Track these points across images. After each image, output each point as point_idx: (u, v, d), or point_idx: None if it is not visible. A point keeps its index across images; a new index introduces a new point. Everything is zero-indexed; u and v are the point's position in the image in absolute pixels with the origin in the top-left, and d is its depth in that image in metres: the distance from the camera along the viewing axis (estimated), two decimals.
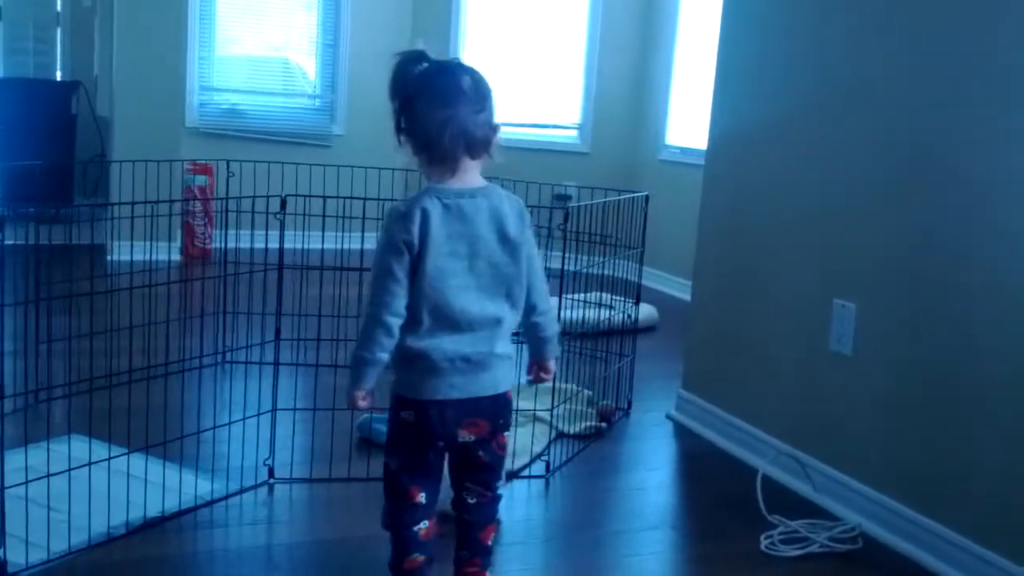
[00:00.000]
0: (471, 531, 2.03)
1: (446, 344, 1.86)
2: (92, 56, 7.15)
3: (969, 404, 2.26)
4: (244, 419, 2.53)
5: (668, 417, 3.41)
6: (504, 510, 2.47)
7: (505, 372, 1.94)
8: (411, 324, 1.85)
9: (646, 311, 4.88)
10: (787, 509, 2.55)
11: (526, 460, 2.79)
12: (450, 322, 1.85)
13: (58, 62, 7.60)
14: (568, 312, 3.86)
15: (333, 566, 2.20)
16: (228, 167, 3.63)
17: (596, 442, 3.10)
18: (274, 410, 2.56)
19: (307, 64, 6.68)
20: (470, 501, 2.02)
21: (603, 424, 3.21)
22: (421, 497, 1.93)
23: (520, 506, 2.58)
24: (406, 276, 1.82)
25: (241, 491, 2.49)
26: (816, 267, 2.76)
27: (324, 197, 2.78)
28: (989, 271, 2.21)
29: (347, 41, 6.56)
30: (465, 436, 1.91)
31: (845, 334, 2.63)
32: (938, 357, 2.34)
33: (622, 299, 3.50)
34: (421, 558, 1.94)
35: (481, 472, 2.00)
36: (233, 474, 2.53)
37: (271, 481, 2.56)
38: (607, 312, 3.53)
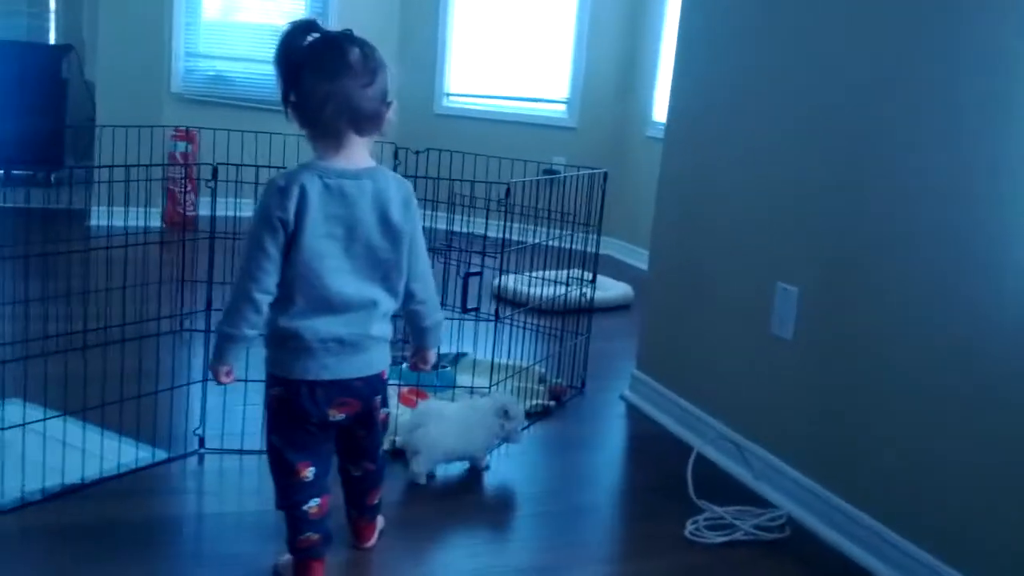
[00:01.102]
0: (357, 496, 2.10)
1: (319, 325, 1.83)
2: (83, 20, 7.13)
3: (896, 393, 2.22)
4: (172, 388, 2.51)
5: (622, 398, 3.38)
6: (447, 485, 2.47)
7: (380, 353, 1.93)
8: (283, 303, 1.83)
9: (621, 289, 4.85)
10: (724, 495, 2.52)
11: None
12: (324, 303, 1.83)
13: (51, 25, 7.59)
14: (525, 288, 3.86)
15: (255, 538, 2.18)
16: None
17: (543, 421, 3.08)
18: (205, 380, 2.54)
19: None
20: (355, 474, 2.06)
21: (552, 403, 3.19)
22: (308, 473, 1.92)
23: (440, 487, 2.56)
24: (279, 253, 1.79)
25: (169, 460, 2.48)
26: (762, 250, 2.72)
27: (257, 166, 2.74)
28: (922, 259, 2.16)
29: (335, 9, 6.51)
30: (336, 415, 1.90)
31: (787, 318, 2.60)
32: (871, 344, 2.31)
33: (579, 277, 3.47)
34: (315, 536, 1.93)
35: (361, 448, 2.03)
36: (164, 443, 2.52)
37: (201, 451, 2.55)
38: (563, 289, 3.50)
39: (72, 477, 2.27)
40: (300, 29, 1.82)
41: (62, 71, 6.85)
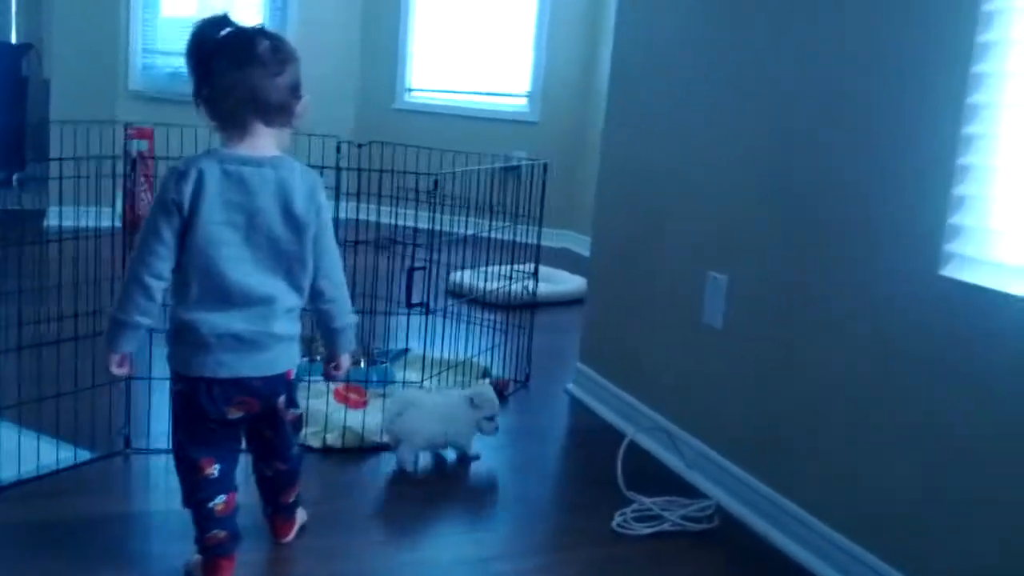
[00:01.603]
0: (272, 495, 2.08)
1: (216, 319, 1.80)
2: (44, 18, 7.07)
3: (820, 383, 2.21)
4: (94, 387, 2.47)
5: (565, 391, 3.36)
6: (375, 481, 2.45)
7: (283, 352, 1.88)
8: (181, 292, 1.81)
9: (576, 283, 4.83)
10: (657, 486, 2.51)
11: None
12: (220, 294, 1.79)
13: (12, 23, 7.53)
14: (477, 282, 3.84)
15: (178, 537, 2.09)
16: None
17: None
18: (129, 378, 2.51)
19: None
20: (267, 474, 2.04)
21: None
22: (213, 471, 1.89)
23: (375, 480, 2.54)
24: (173, 238, 1.76)
25: (93, 460, 2.45)
26: (694, 239, 2.71)
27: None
28: (841, 250, 2.14)
29: (296, 3, 6.47)
30: (234, 414, 1.87)
31: (717, 307, 2.58)
32: (796, 334, 2.29)
33: (521, 270, 3.44)
34: (222, 534, 1.90)
35: (270, 448, 2.01)
36: (88, 443, 2.48)
37: (127, 451, 2.52)
38: (508, 283, 3.48)
39: None
40: (212, 23, 1.82)
41: (22, 69, 6.80)
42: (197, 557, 1.94)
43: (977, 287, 1.78)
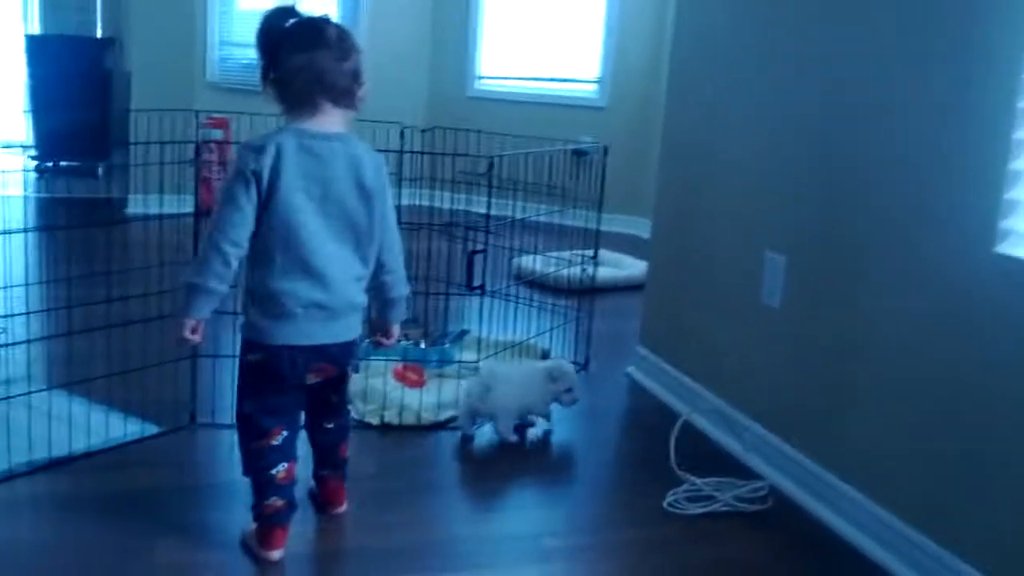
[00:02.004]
0: (329, 451, 2.14)
1: (301, 288, 1.87)
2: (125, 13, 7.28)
3: (878, 364, 2.17)
4: (160, 364, 2.56)
5: (626, 374, 3.36)
6: (431, 458, 2.49)
7: (356, 320, 1.96)
8: (264, 264, 1.87)
9: (640, 267, 4.81)
10: (713, 467, 2.49)
11: (451, 413, 2.77)
12: (303, 264, 1.86)
13: (98, 18, 7.76)
14: (539, 267, 3.86)
15: (241, 506, 2.16)
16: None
17: None
18: (194, 356, 2.60)
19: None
20: (328, 426, 2.12)
21: None
22: (279, 438, 1.96)
23: (432, 458, 2.58)
24: (252, 208, 1.83)
25: (160, 434, 2.54)
26: (751, 220, 2.68)
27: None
28: (899, 230, 2.10)
29: None
30: (312, 379, 1.95)
31: (775, 287, 2.55)
32: (854, 314, 2.26)
33: (583, 254, 3.45)
34: (280, 502, 1.96)
35: (331, 407, 2.10)
36: (154, 418, 2.57)
37: (193, 425, 2.60)
38: (569, 268, 3.49)
39: (60, 450, 2.33)
40: (280, 12, 1.92)
41: (106, 63, 7.01)
42: (253, 526, 2.00)
43: None
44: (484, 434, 2.71)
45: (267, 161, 1.82)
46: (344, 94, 1.90)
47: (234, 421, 2.02)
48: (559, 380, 2.73)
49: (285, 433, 1.97)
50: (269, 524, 1.97)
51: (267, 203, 1.83)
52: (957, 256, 1.92)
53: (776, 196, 2.57)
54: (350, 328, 1.95)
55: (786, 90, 2.54)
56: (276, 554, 1.96)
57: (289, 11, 1.92)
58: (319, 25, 1.90)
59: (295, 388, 1.97)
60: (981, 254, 1.84)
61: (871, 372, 2.19)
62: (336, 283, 1.90)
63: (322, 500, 2.18)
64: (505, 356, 3.17)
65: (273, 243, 1.85)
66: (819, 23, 2.40)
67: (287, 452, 1.98)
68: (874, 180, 2.18)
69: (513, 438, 2.66)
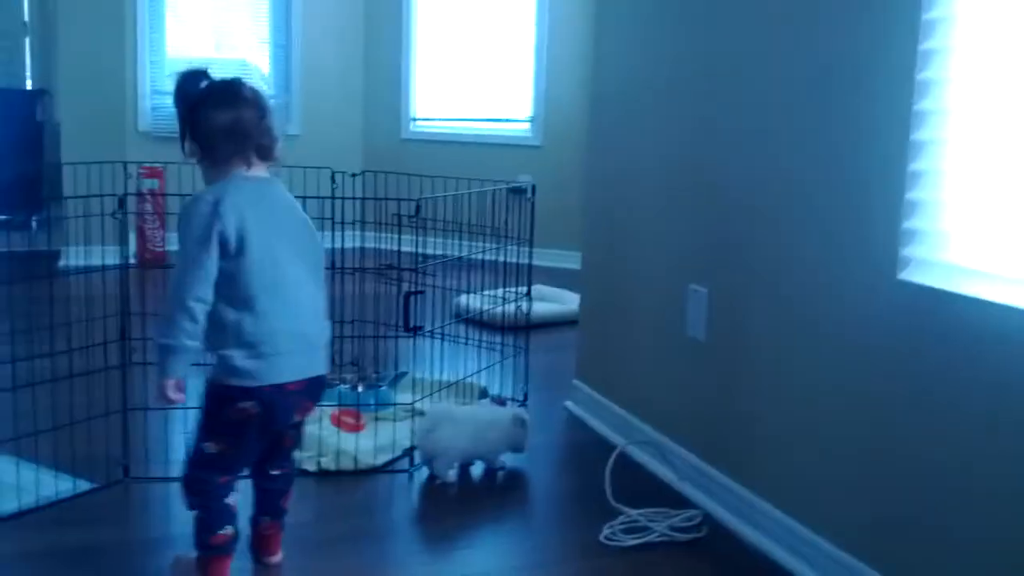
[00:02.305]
0: (274, 499, 2.15)
1: (291, 326, 1.94)
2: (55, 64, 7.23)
3: (795, 390, 2.24)
4: (89, 419, 2.54)
5: (564, 408, 3.40)
6: (368, 504, 2.50)
7: (326, 354, 2.05)
8: (247, 307, 1.90)
9: (578, 302, 4.86)
10: (648, 498, 2.54)
11: (389, 456, 2.78)
12: (287, 301, 1.93)
13: (27, 70, 7.70)
14: (471, 303, 3.89)
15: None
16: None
17: None
18: (125, 410, 2.58)
19: (262, 64, 6.72)
20: (273, 473, 2.13)
21: None
22: (236, 477, 2.03)
23: (369, 502, 2.59)
24: (214, 265, 1.87)
25: (92, 491, 2.51)
26: (675, 253, 2.75)
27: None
28: (814, 259, 2.18)
29: (299, 41, 6.60)
30: (296, 418, 2.05)
31: (698, 319, 2.62)
32: (775, 343, 2.32)
33: (514, 291, 3.49)
34: (230, 531, 2.01)
35: (283, 452, 2.13)
36: (86, 474, 2.54)
37: (126, 480, 2.58)
38: (504, 305, 3.52)
39: None
40: (192, 76, 2.01)
41: (36, 114, 6.96)
42: (191, 556, 2.03)
43: (933, 289, 1.81)
44: (422, 474, 2.72)
45: (230, 219, 1.88)
46: (269, 149, 1.99)
47: (194, 455, 2.00)
48: (524, 427, 2.79)
49: (240, 472, 2.05)
50: (220, 554, 2.00)
51: (239, 254, 1.89)
52: (863, 285, 1.99)
53: (695, 229, 2.64)
54: (324, 361, 2.03)
55: (702, 123, 2.61)
56: None
57: (201, 73, 2.00)
58: (236, 85, 1.98)
59: (279, 432, 2.05)
60: (885, 282, 1.91)
61: (792, 399, 2.25)
62: (313, 316, 2.01)
63: (258, 548, 2.18)
64: (442, 396, 3.19)
65: (254, 288, 1.90)
66: (728, 58, 2.49)
67: (236, 484, 2.04)
68: (783, 214, 2.26)
69: (449, 479, 2.67)
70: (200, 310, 1.87)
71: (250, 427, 1.95)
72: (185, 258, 1.88)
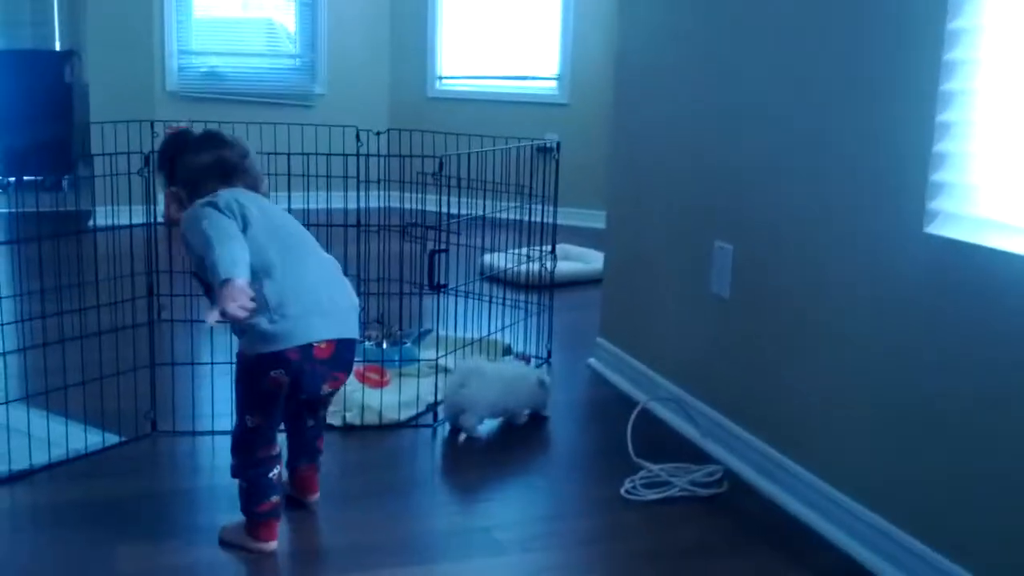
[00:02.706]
0: (309, 443, 2.22)
1: (309, 286, 1.97)
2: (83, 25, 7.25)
3: (820, 347, 2.22)
4: (118, 374, 2.57)
5: (587, 366, 3.40)
6: (392, 458, 2.54)
7: (355, 316, 2.08)
8: (268, 273, 1.92)
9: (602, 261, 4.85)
10: (670, 454, 2.54)
11: (413, 412, 2.80)
12: (302, 264, 1.99)
13: (56, 31, 7.73)
14: (497, 262, 3.89)
15: (209, 510, 2.22)
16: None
17: None
18: (153, 365, 2.61)
19: (287, 23, 6.70)
20: (310, 423, 2.20)
21: None
22: (277, 446, 2.06)
23: (393, 456, 2.61)
24: (234, 226, 1.93)
25: (121, 444, 2.55)
26: (701, 210, 2.73)
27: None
28: (840, 214, 2.15)
29: (325, 1, 6.56)
30: (326, 390, 2.06)
31: (723, 276, 2.60)
32: (799, 300, 2.30)
33: (539, 249, 3.48)
34: (276, 499, 2.04)
35: (323, 404, 2.20)
36: (115, 428, 2.58)
37: (154, 434, 2.62)
38: (529, 263, 3.52)
39: (20, 463, 2.34)
40: (174, 136, 2.18)
41: (65, 76, 6.98)
42: (235, 523, 2.07)
43: (961, 243, 1.78)
44: (445, 430, 2.74)
45: (228, 203, 1.94)
46: (256, 180, 2.11)
47: (237, 430, 2.03)
48: (546, 389, 2.84)
49: (277, 439, 2.07)
50: (266, 518, 2.04)
51: (245, 229, 1.93)
52: (889, 238, 1.97)
53: (722, 187, 2.62)
54: (354, 325, 2.05)
55: (729, 78, 2.58)
56: (273, 544, 2.04)
57: (183, 132, 2.15)
58: (215, 132, 2.13)
59: (310, 401, 2.09)
60: (912, 235, 1.89)
61: (817, 355, 2.24)
62: (335, 280, 2.05)
63: (298, 489, 2.23)
64: (466, 353, 3.20)
65: (270, 256, 1.93)
66: (757, 7, 2.45)
67: (281, 456, 2.08)
68: (810, 167, 2.24)
69: (476, 433, 2.69)
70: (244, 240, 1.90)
71: (280, 398, 1.98)
72: (208, 228, 1.88)
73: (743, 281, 2.53)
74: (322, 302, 1.97)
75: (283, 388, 1.96)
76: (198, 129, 2.17)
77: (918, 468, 1.92)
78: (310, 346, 1.94)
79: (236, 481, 2.05)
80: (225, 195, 1.97)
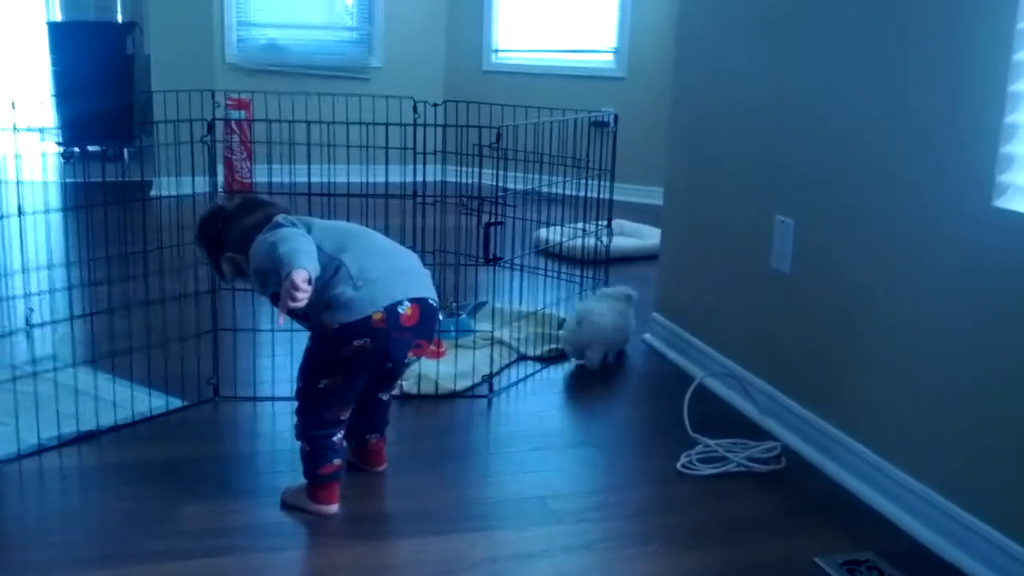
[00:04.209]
0: (380, 416, 2.25)
1: (382, 255, 2.04)
2: None
3: (885, 323, 2.19)
4: (182, 339, 2.63)
5: (642, 341, 3.39)
6: (448, 426, 2.59)
7: (429, 279, 2.12)
8: (341, 252, 1.99)
9: (658, 237, 4.82)
10: (727, 429, 2.53)
11: (469, 383, 2.82)
12: (371, 241, 2.07)
13: (118, 3, 7.84)
14: (552, 236, 3.88)
15: (270, 473, 2.27)
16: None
17: (557, 364, 3.12)
18: (215, 331, 2.66)
19: None
20: (384, 398, 2.24)
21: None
22: (345, 415, 2.08)
23: (449, 425, 2.63)
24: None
25: (183, 408, 2.60)
26: (761, 184, 2.69)
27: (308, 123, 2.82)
28: (904, 188, 2.11)
29: None
30: (410, 358, 2.10)
31: (785, 251, 2.57)
32: (862, 275, 2.27)
33: (595, 224, 3.47)
34: (339, 461, 2.08)
35: (391, 380, 2.24)
36: (178, 392, 2.63)
37: (216, 399, 2.67)
38: (585, 238, 3.52)
39: (87, 424, 2.40)
40: (209, 217, 2.18)
41: (127, 48, 7.08)
42: (297, 486, 2.11)
43: None
44: (501, 401, 2.76)
45: (291, 219, 2.04)
46: None
47: (305, 391, 2.05)
48: (635, 302, 3.16)
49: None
50: (329, 481, 2.08)
51: (310, 231, 2.02)
52: (957, 212, 1.93)
53: (784, 160, 2.58)
54: (431, 286, 2.09)
55: (792, 54, 2.54)
56: (334, 507, 2.08)
57: (218, 207, 2.19)
58: (252, 196, 2.22)
59: (392, 368, 2.11)
60: (980, 209, 1.85)
61: (881, 332, 2.21)
62: (402, 252, 2.12)
63: (364, 460, 2.28)
64: (520, 327, 3.21)
65: (341, 239, 2.01)
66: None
67: (345, 423, 2.11)
68: (874, 140, 2.20)
69: (598, 367, 2.99)
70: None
71: (363, 363, 2.00)
72: (280, 240, 1.93)
73: (804, 256, 2.50)
74: (400, 264, 2.05)
75: (366, 355, 1.98)
76: (227, 202, 2.25)
77: (985, 449, 1.89)
78: (397, 313, 1.96)
79: (297, 445, 2.09)
80: (281, 219, 2.04)
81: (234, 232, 2.11)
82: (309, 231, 2.01)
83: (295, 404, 2.08)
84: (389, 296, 1.96)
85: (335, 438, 2.07)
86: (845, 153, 2.32)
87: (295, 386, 2.08)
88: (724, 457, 2.38)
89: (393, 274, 2.01)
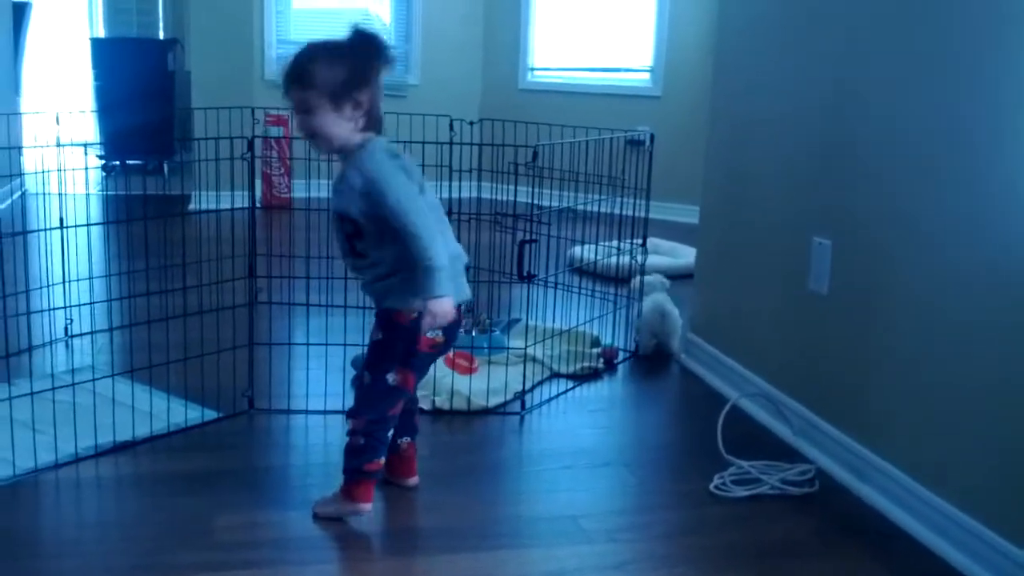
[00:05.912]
0: (411, 417, 2.26)
1: (454, 248, 2.04)
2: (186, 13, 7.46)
3: (927, 348, 2.17)
4: (219, 352, 2.65)
5: (676, 361, 3.38)
6: (480, 442, 2.60)
7: None
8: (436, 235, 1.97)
9: (693, 256, 4.80)
10: (761, 451, 2.51)
11: (501, 399, 2.82)
12: (447, 226, 2.06)
13: (160, 20, 7.98)
14: (587, 254, 3.88)
15: (303, 487, 2.28)
16: None
17: (590, 382, 3.11)
18: (251, 344, 2.68)
19: (383, 15, 6.79)
20: (416, 397, 2.28)
21: (602, 365, 3.21)
22: (400, 408, 2.12)
23: (480, 442, 2.63)
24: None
25: (219, 419, 2.62)
26: (797, 205, 2.68)
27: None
28: (948, 211, 2.09)
29: None
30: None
31: (822, 273, 2.55)
32: (901, 298, 2.25)
33: (636, 243, 3.46)
34: (383, 460, 2.13)
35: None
36: (214, 404, 2.66)
37: (251, 411, 2.68)
38: (620, 256, 3.51)
39: (123, 435, 2.42)
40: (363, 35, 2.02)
41: (168, 64, 7.19)
42: (328, 496, 2.12)
43: None
44: (533, 418, 2.76)
45: (409, 167, 2.00)
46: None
47: (374, 387, 2.06)
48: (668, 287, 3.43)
49: None
50: (371, 478, 2.10)
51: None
52: (1005, 238, 1.91)
53: (821, 181, 2.57)
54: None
55: (831, 74, 2.53)
56: (369, 506, 2.10)
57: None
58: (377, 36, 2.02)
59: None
60: None
61: (920, 357, 2.18)
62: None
63: (398, 470, 2.26)
64: (554, 344, 3.21)
65: (439, 224, 1.99)
66: (858, 4, 2.39)
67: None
68: (917, 159, 2.18)
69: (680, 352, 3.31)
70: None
71: (434, 356, 2.07)
72: (407, 191, 1.92)
73: (842, 277, 2.48)
74: (460, 266, 2.05)
75: (438, 347, 2.05)
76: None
77: (1021, 475, 1.86)
78: (459, 308, 2.01)
79: (343, 444, 2.10)
80: (402, 155, 1.99)
81: (372, 84, 1.95)
82: (421, 192, 1.97)
83: (352, 400, 2.12)
84: (459, 296, 1.99)
85: (390, 433, 2.11)
86: (883, 173, 2.30)
87: (362, 381, 2.08)
88: (758, 479, 2.36)
89: (460, 275, 2.04)
